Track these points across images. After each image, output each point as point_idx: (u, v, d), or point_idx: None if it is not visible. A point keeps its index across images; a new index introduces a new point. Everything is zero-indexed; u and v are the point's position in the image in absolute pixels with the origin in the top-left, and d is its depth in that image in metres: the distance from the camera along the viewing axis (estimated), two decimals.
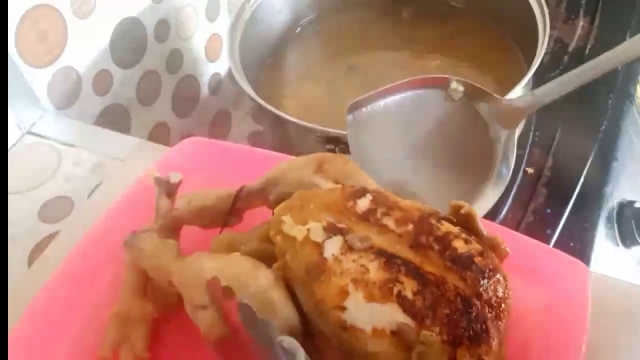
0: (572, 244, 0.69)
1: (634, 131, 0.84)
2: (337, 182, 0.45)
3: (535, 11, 0.73)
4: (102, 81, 0.76)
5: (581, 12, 0.98)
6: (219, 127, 1.01)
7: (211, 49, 0.95)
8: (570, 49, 0.93)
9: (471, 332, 0.35)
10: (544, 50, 0.66)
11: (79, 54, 0.72)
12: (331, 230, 0.39)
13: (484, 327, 0.35)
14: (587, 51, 0.92)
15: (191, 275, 0.41)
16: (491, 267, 0.38)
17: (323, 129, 0.64)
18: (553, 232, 0.70)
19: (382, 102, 0.52)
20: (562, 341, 0.43)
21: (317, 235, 0.39)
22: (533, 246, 0.48)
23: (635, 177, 0.83)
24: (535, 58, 0.66)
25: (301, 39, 0.89)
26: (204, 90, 0.97)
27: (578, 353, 0.41)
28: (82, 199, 0.61)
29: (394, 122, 0.52)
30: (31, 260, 0.57)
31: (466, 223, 0.41)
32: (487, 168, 0.49)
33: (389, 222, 0.39)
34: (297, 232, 0.40)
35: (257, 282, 0.39)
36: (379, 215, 0.40)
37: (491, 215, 0.73)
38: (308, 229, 0.39)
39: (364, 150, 0.49)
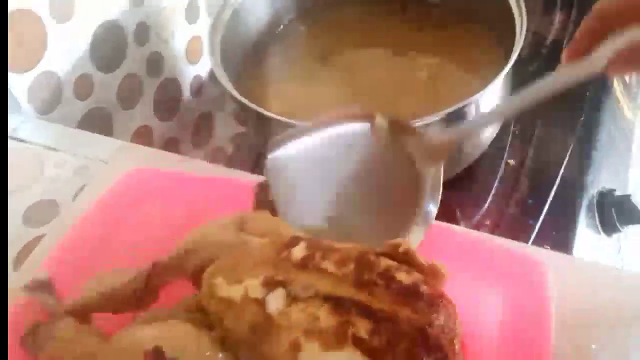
0: (554, 233, 0.70)
1: (612, 121, 0.86)
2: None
3: (512, 5, 0.73)
4: (83, 85, 0.76)
5: (558, 6, 1.00)
6: (202, 129, 1.01)
7: (192, 51, 0.95)
8: (547, 42, 0.95)
9: None
10: (520, 44, 0.67)
11: (59, 58, 0.71)
12: (270, 284, 0.37)
13: (444, 354, 0.35)
14: (564, 44, 0.94)
15: (126, 346, 0.39)
16: (436, 293, 0.37)
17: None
18: (535, 222, 0.71)
19: (305, 139, 0.50)
20: (527, 341, 0.43)
21: (257, 291, 0.37)
22: (492, 247, 0.49)
23: (614, 166, 0.84)
24: (513, 52, 0.67)
25: (283, 39, 0.89)
26: (186, 93, 0.96)
27: (546, 354, 0.41)
28: (66, 202, 0.61)
29: (317, 159, 0.50)
30: (17, 264, 0.56)
31: (405, 258, 0.40)
32: (414, 205, 0.48)
33: (329, 266, 0.38)
34: (234, 292, 0.37)
35: (201, 343, 0.37)
36: (316, 260, 0.38)
37: (474, 208, 0.75)
38: (245, 287, 0.37)
39: (287, 191, 0.47)
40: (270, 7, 0.88)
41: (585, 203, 0.74)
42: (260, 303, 0.36)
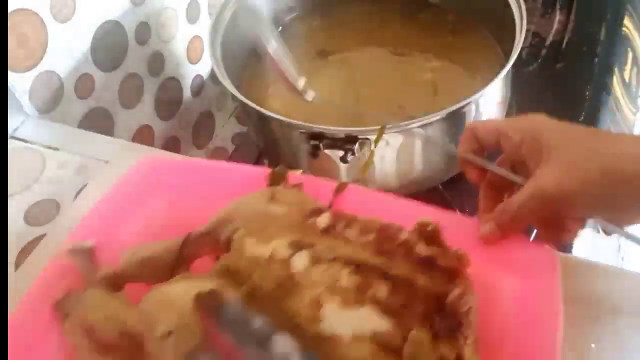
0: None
1: (612, 121, 0.86)
2: None
3: (512, 7, 0.74)
4: (84, 85, 0.76)
5: (557, 6, 1.00)
6: (202, 129, 1.01)
7: (192, 50, 0.95)
8: (547, 42, 0.95)
9: (448, 326, 0.36)
10: (520, 45, 0.67)
11: (60, 58, 0.72)
12: (296, 245, 0.40)
13: (459, 320, 0.36)
14: (564, 45, 0.94)
15: (154, 304, 0.40)
16: (453, 267, 0.39)
17: (307, 124, 0.64)
18: None
19: None
20: (537, 331, 0.43)
21: (283, 251, 0.39)
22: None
23: None
24: (512, 52, 0.67)
25: (283, 39, 0.89)
26: (187, 93, 0.97)
27: (554, 343, 0.41)
28: (67, 202, 0.61)
29: None
30: (18, 263, 0.56)
31: (431, 237, 0.41)
32: None
33: (351, 234, 0.40)
34: (263, 251, 0.40)
35: (228, 295, 0.38)
36: (340, 228, 0.41)
37: (474, 208, 0.75)
38: (273, 247, 0.40)
39: None
40: (269, 8, 0.88)
41: None
42: (286, 262, 0.39)
